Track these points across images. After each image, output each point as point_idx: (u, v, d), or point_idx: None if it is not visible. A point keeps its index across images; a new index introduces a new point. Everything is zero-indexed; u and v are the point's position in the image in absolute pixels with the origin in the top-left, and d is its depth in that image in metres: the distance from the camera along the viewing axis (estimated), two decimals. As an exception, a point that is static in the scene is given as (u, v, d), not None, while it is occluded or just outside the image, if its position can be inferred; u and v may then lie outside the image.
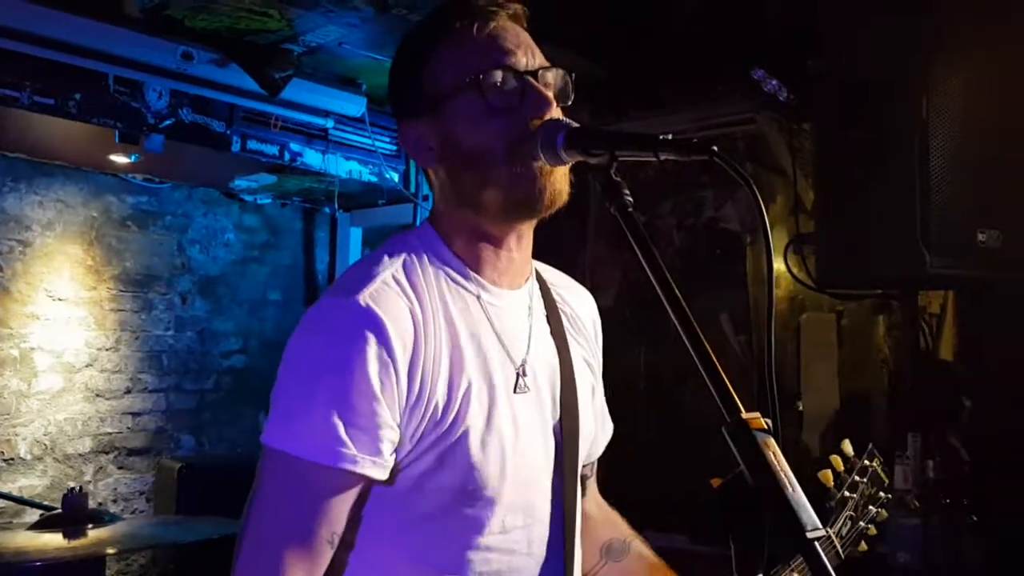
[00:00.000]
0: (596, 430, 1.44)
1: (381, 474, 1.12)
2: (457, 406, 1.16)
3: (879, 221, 2.52)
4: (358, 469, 1.09)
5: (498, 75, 1.20)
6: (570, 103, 1.27)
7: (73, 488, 1.90)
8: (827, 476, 1.62)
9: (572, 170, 1.23)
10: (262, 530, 1.11)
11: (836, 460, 1.64)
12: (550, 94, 1.21)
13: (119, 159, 3.68)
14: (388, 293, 1.15)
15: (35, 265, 3.80)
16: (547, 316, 1.35)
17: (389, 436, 1.11)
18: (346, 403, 1.09)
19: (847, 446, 1.66)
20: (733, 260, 3.60)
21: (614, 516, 1.56)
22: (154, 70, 3.25)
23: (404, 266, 1.21)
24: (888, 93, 2.51)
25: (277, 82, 3.41)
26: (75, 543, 1.78)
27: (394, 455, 1.13)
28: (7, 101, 3.00)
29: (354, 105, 3.78)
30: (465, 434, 1.16)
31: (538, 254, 1.45)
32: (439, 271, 1.24)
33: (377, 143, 3.97)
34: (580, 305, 1.45)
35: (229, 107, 3.55)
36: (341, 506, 1.12)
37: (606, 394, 1.51)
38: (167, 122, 3.38)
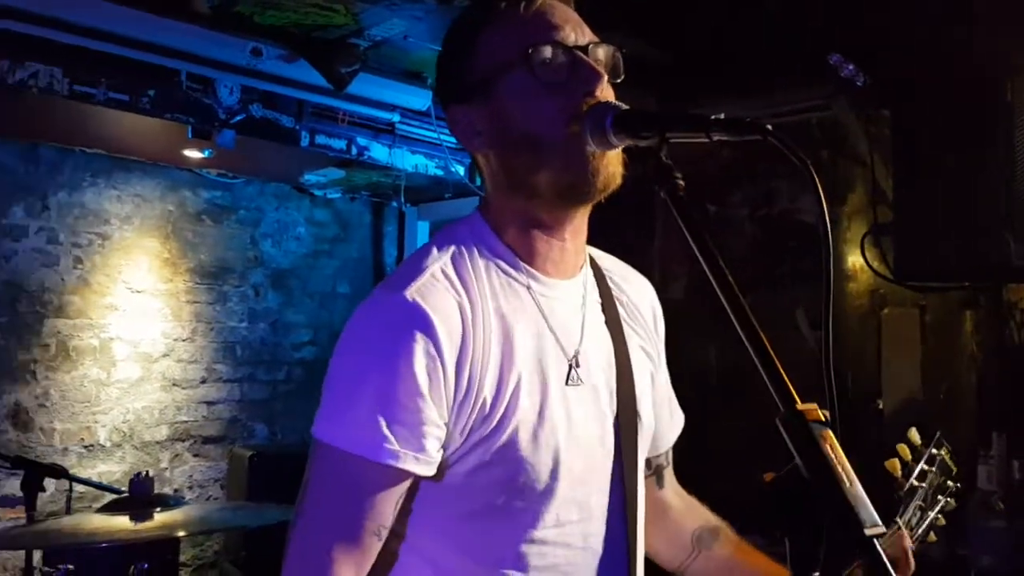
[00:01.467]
0: (662, 420, 1.40)
1: (426, 470, 1.11)
2: (507, 401, 1.14)
3: (962, 210, 2.41)
4: (401, 464, 1.08)
5: (547, 50, 1.16)
6: (620, 80, 1.23)
7: (140, 473, 1.95)
8: (894, 465, 1.55)
9: (638, 159, 1.19)
10: (311, 521, 1.11)
11: (903, 449, 1.57)
12: (601, 69, 1.17)
13: (192, 154, 3.76)
14: (436, 287, 1.14)
15: (114, 258, 3.91)
16: (602, 305, 1.31)
17: (435, 433, 1.10)
18: (391, 399, 1.08)
19: (914, 434, 1.59)
20: (808, 253, 3.49)
21: (696, 504, 1.52)
22: (225, 66, 3.31)
23: (453, 259, 1.19)
24: (972, 78, 2.39)
25: (344, 77, 3.43)
26: (141, 526, 1.82)
27: (441, 451, 1.12)
28: (84, 98, 3.10)
29: (419, 99, 3.79)
30: (516, 429, 1.14)
31: (607, 244, 1.42)
32: (489, 262, 1.22)
33: (443, 136, 3.97)
34: (637, 292, 1.40)
35: (298, 102, 3.60)
36: (387, 500, 1.11)
37: (676, 387, 1.46)
38: (238, 117, 3.44)
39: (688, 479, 1.59)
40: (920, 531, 1.52)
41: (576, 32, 1.20)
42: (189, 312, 4.14)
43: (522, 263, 1.23)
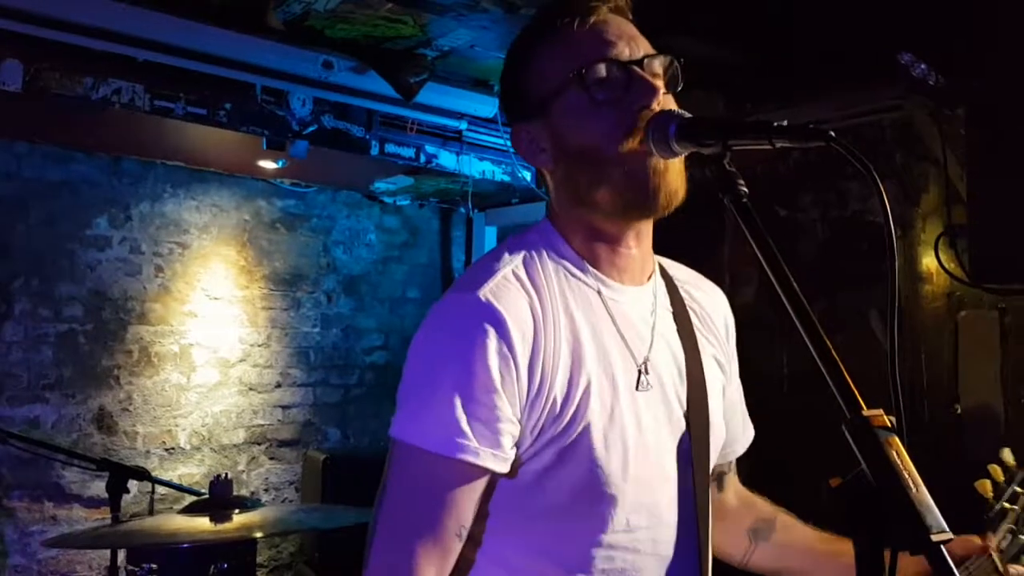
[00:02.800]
0: (733, 430, 1.41)
1: (502, 467, 1.12)
2: (577, 402, 1.15)
3: (1041, 210, 2.34)
4: (479, 461, 1.09)
5: (601, 68, 1.17)
6: (680, 88, 1.23)
7: (220, 475, 2.02)
8: (985, 486, 1.52)
9: (707, 165, 1.19)
10: (392, 520, 1.13)
11: (995, 470, 1.53)
12: (658, 82, 1.17)
13: (267, 165, 3.86)
14: (508, 288, 1.16)
15: (193, 266, 4.04)
16: (673, 313, 1.32)
17: (509, 430, 1.12)
18: (467, 396, 1.10)
19: (1007, 455, 1.55)
20: (881, 255, 3.41)
21: (753, 499, 1.53)
22: (297, 79, 3.39)
23: (524, 262, 1.21)
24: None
25: (412, 87, 3.49)
26: (220, 527, 1.88)
27: (515, 448, 1.13)
28: (164, 112, 3.21)
29: (486, 106, 3.84)
30: (586, 430, 1.15)
31: (676, 249, 1.42)
32: (558, 266, 1.23)
33: (510, 143, 4.01)
34: (710, 302, 1.40)
35: (367, 112, 3.67)
36: (466, 498, 1.13)
37: (745, 391, 1.46)
38: (310, 128, 3.52)
39: (758, 484, 1.59)
40: (1011, 555, 1.48)
41: (631, 46, 1.20)
42: (264, 318, 4.25)
43: (591, 268, 1.24)
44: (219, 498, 1.98)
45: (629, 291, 1.27)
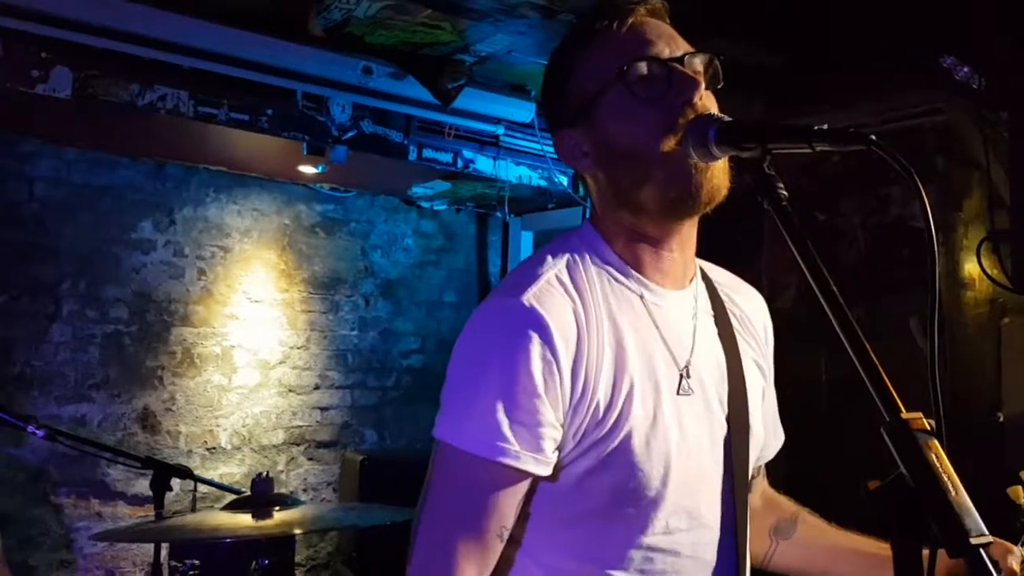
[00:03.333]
0: (767, 435, 1.40)
1: (544, 470, 1.14)
2: (620, 406, 1.16)
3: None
4: (520, 465, 1.11)
5: (642, 66, 1.18)
6: (721, 86, 1.24)
7: (261, 474, 2.06)
8: (1017, 492, 1.51)
9: (746, 168, 1.19)
10: (435, 520, 1.15)
11: None
12: (698, 78, 1.18)
13: (307, 170, 3.92)
14: (551, 293, 1.17)
15: (234, 269, 4.11)
16: (714, 317, 1.33)
17: (551, 434, 1.13)
18: (510, 400, 1.11)
19: None
20: (922, 260, 3.37)
21: (776, 499, 1.53)
22: (337, 85, 3.44)
23: (567, 266, 1.22)
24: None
25: (450, 92, 3.53)
26: (262, 523, 1.92)
27: (557, 452, 1.15)
28: (207, 118, 3.27)
29: (524, 111, 3.86)
30: (628, 435, 1.16)
31: (714, 254, 1.42)
32: (601, 270, 1.24)
33: (546, 148, 4.02)
34: (750, 306, 1.40)
35: (406, 118, 3.71)
36: (508, 500, 1.14)
37: (783, 399, 1.46)
38: (350, 134, 3.57)
39: (796, 489, 1.58)
40: None
41: (670, 45, 1.21)
42: (304, 321, 4.31)
43: (633, 272, 1.25)
44: (261, 496, 2.02)
45: (671, 295, 1.27)
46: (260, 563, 2.00)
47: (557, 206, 4.51)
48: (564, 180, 4.13)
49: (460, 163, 3.90)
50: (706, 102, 1.19)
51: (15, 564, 3.44)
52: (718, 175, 1.18)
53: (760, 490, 1.51)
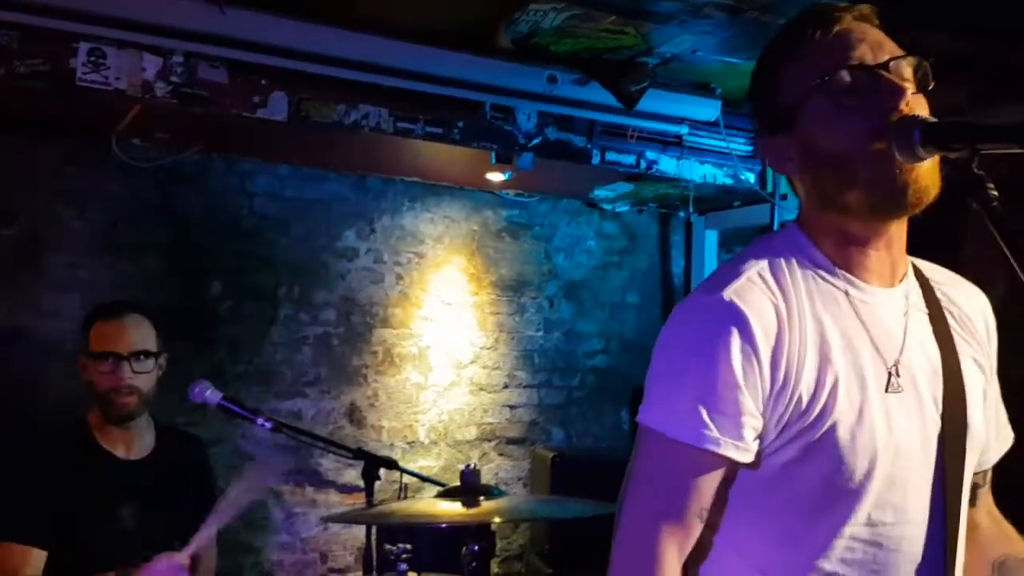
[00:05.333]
0: (989, 436, 1.38)
1: (744, 457, 1.20)
2: (824, 399, 1.19)
3: None
4: (720, 451, 1.18)
5: (845, 75, 1.20)
6: (931, 88, 1.24)
7: (469, 465, 2.20)
8: None
9: (952, 168, 1.19)
10: (639, 500, 1.23)
11: None
12: (905, 84, 1.19)
13: (494, 177, 4.08)
14: (752, 289, 1.22)
15: (428, 273, 4.34)
16: (928, 315, 1.32)
17: (751, 423, 1.18)
18: (711, 390, 1.17)
19: None
20: None
21: (1009, 530, 1.48)
22: (523, 95, 3.56)
23: (769, 264, 1.27)
24: None
25: (633, 95, 3.57)
26: (472, 511, 2.06)
27: (757, 441, 1.20)
28: (405, 133, 3.48)
29: (708, 110, 3.84)
30: (833, 428, 1.19)
31: (915, 250, 1.41)
32: (805, 270, 1.27)
33: (732, 145, 4.00)
34: (968, 303, 1.39)
35: (589, 123, 3.79)
36: (707, 484, 1.21)
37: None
38: (535, 141, 3.69)
39: (1003, 501, 1.52)
40: None
41: (875, 50, 1.22)
42: (492, 322, 4.49)
43: (839, 270, 1.27)
44: (469, 485, 2.16)
45: (879, 293, 1.28)
46: (470, 548, 2.13)
47: (743, 204, 4.46)
48: (751, 177, 4.08)
49: (643, 164, 3.94)
50: (914, 106, 1.19)
51: (240, 544, 3.79)
52: (925, 176, 1.19)
53: (988, 508, 1.48)
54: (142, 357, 2.62)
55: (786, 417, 1.19)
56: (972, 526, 1.40)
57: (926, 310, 1.32)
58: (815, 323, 1.23)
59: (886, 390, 1.23)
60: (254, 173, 3.99)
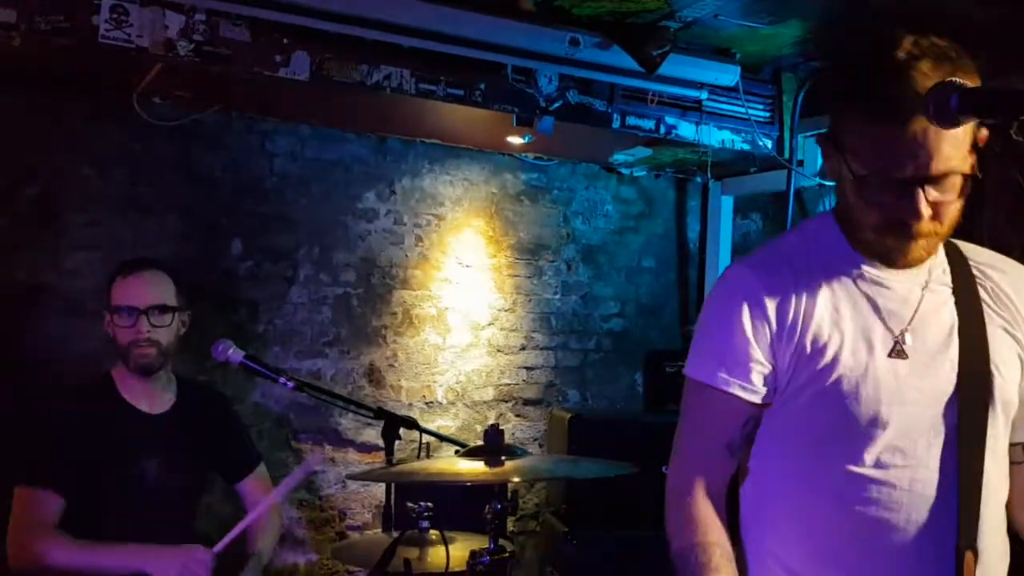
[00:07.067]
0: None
1: (751, 397, 1.47)
2: (829, 355, 1.41)
3: None
4: (730, 390, 1.47)
5: (878, 182, 1.34)
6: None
7: (493, 424, 2.23)
8: None
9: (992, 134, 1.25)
10: (681, 433, 1.55)
11: None
12: (923, 208, 1.32)
13: (514, 140, 4.08)
14: (769, 262, 1.50)
15: (447, 236, 4.36)
16: (953, 288, 1.47)
17: (759, 369, 1.46)
18: (727, 343, 1.48)
19: None
20: None
21: None
22: (545, 57, 3.55)
23: (797, 243, 1.53)
24: None
25: (655, 59, 3.56)
26: (495, 470, 2.09)
27: (766, 386, 1.47)
28: (427, 94, 3.48)
29: (728, 75, 3.83)
30: (839, 379, 1.41)
31: None
32: (827, 249, 1.49)
33: (751, 111, 3.98)
34: (1005, 280, 1.51)
35: (610, 87, 3.78)
36: (727, 419, 1.49)
37: None
38: (556, 104, 3.69)
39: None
40: None
41: (918, 162, 1.30)
42: (510, 285, 4.51)
43: (858, 254, 1.46)
44: (493, 444, 2.19)
45: (896, 272, 1.46)
46: (493, 507, 2.17)
47: (760, 170, 4.45)
48: (768, 143, 4.07)
49: (663, 129, 3.93)
50: (927, 221, 1.34)
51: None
52: (919, 248, 1.40)
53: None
54: (160, 311, 2.65)
55: (793, 366, 1.44)
56: (1012, 504, 1.50)
57: (951, 284, 1.48)
58: (829, 294, 1.45)
59: (890, 354, 1.42)
60: (274, 133, 4.00)
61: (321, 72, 3.31)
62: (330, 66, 3.33)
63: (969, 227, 1.52)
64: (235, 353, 2.83)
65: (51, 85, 3.51)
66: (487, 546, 2.15)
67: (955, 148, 1.29)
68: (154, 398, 2.75)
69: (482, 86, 3.55)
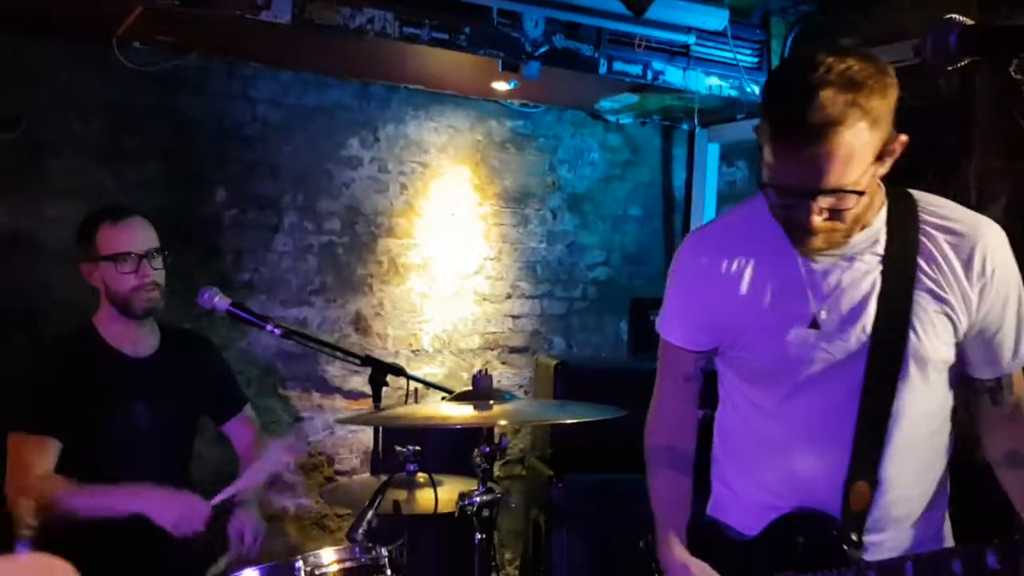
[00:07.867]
0: (989, 350, 1.65)
1: (697, 347, 1.85)
2: (758, 320, 1.68)
3: None
4: (678, 343, 1.88)
5: (774, 194, 1.53)
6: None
7: (482, 370, 2.24)
8: None
9: (959, 74, 1.24)
10: (658, 370, 1.96)
11: None
12: (814, 218, 1.48)
13: (500, 86, 4.03)
14: (713, 235, 1.83)
15: (432, 183, 4.33)
16: (884, 256, 1.60)
17: (699, 327, 1.83)
18: (677, 305, 1.87)
19: None
20: None
21: None
22: (531, 0, 3.51)
23: (741, 217, 1.77)
24: None
25: (642, 2, 3.52)
26: (484, 414, 2.10)
27: (711, 340, 1.82)
28: (411, 39, 3.43)
29: (716, 19, 3.78)
30: (761, 338, 1.69)
31: (916, 167, 1.54)
32: (762, 225, 1.66)
33: (739, 56, 3.95)
34: (949, 240, 1.60)
35: (596, 31, 3.74)
36: (682, 361, 1.88)
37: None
38: (542, 49, 3.64)
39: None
40: None
41: (807, 184, 1.45)
42: (496, 234, 4.50)
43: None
44: (481, 389, 2.20)
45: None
46: (481, 450, 2.19)
47: (747, 116, 4.43)
48: (756, 89, 4.05)
49: (650, 75, 3.90)
50: (821, 223, 1.51)
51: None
52: (821, 242, 1.56)
53: (1012, 407, 1.70)
54: (156, 253, 2.67)
55: (723, 326, 1.76)
56: (994, 420, 1.71)
57: (882, 253, 1.61)
58: (767, 266, 1.68)
59: (808, 324, 1.63)
60: (256, 79, 3.94)
61: (303, 15, 3.25)
62: (312, 9, 3.27)
63: (953, 176, 1.52)
64: (221, 300, 2.82)
65: (29, 30, 3.44)
66: (476, 488, 2.16)
67: (850, 166, 1.39)
68: (138, 342, 2.75)
69: (467, 30, 3.50)
